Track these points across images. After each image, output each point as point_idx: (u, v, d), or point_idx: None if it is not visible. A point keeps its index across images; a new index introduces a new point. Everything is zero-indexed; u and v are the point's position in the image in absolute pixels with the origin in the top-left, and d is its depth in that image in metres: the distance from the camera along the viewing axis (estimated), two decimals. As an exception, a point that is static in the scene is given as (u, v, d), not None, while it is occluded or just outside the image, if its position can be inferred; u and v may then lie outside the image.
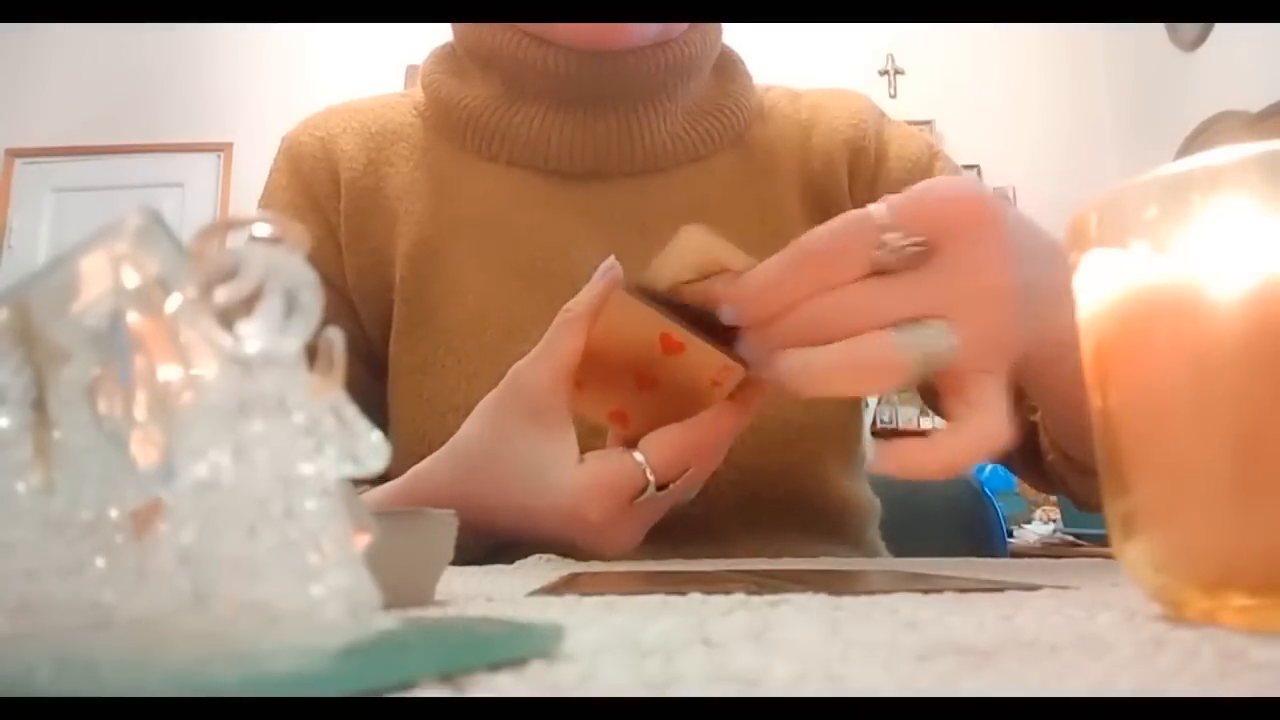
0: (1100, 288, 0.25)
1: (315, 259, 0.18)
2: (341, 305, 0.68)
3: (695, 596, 0.29)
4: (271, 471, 0.17)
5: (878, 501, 0.74)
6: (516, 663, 0.17)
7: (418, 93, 0.74)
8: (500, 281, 0.66)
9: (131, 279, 0.18)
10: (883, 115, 0.76)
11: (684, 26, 0.69)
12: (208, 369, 0.17)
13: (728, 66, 0.75)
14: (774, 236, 0.70)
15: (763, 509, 0.63)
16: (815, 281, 0.41)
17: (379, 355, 0.68)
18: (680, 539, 0.58)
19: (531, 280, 0.66)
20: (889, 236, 0.41)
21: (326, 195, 0.70)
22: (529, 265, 0.66)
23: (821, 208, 0.71)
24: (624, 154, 0.68)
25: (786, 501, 0.64)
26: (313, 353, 0.18)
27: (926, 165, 0.72)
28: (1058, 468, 0.61)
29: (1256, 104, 2.86)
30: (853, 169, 0.72)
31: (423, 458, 0.54)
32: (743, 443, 0.62)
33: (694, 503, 0.62)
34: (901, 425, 3.33)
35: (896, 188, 0.72)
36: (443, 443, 0.53)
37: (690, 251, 0.45)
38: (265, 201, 0.72)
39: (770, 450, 0.63)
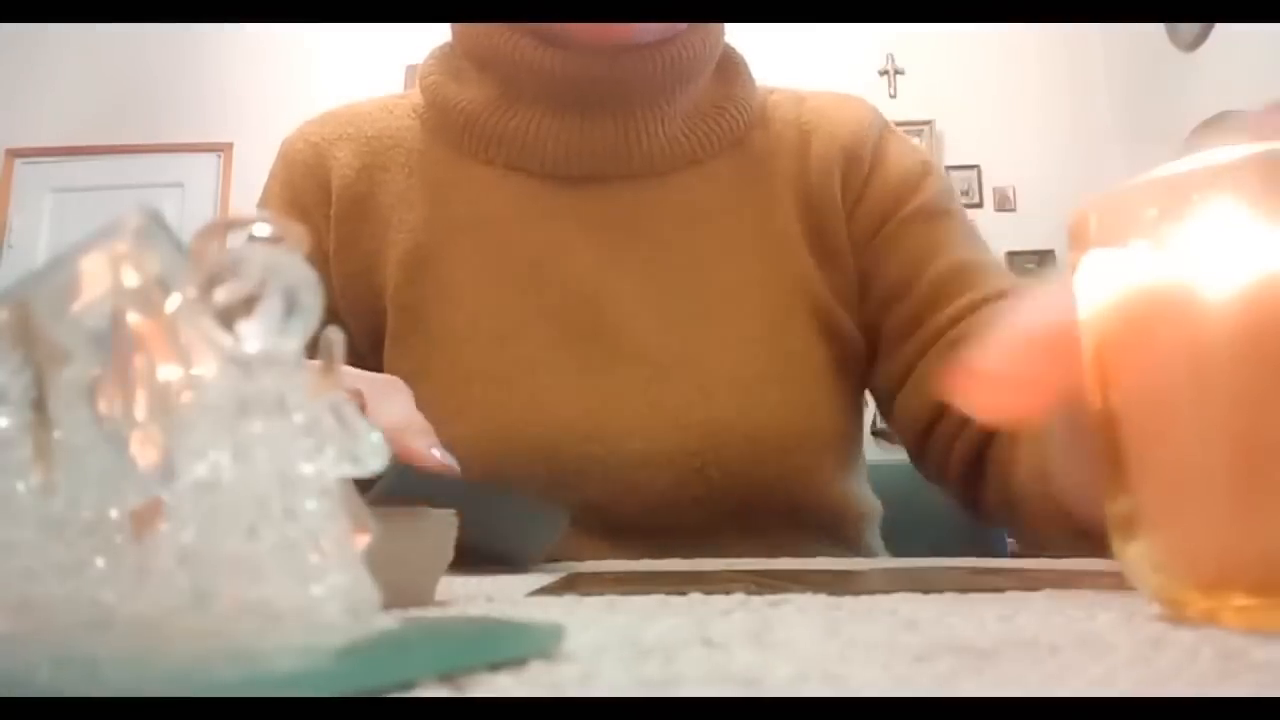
0: (1100, 288, 0.25)
1: None
2: (327, 317, 0.68)
3: (695, 596, 0.29)
4: (271, 471, 0.17)
5: (878, 503, 0.73)
6: (516, 663, 0.17)
7: (417, 94, 0.73)
8: (494, 286, 0.65)
9: (131, 279, 0.18)
10: (885, 126, 0.74)
11: (684, 25, 0.69)
12: (208, 369, 0.17)
13: (729, 68, 0.73)
14: (770, 242, 0.70)
15: (760, 515, 0.63)
16: None
17: (368, 365, 0.67)
18: (677, 543, 0.58)
19: (526, 285, 0.65)
20: None
21: (316, 203, 0.70)
22: (524, 270, 0.66)
23: (816, 216, 0.70)
24: (620, 158, 0.67)
25: (783, 507, 0.64)
26: (312, 352, 0.18)
27: (916, 182, 0.71)
28: (1033, 511, 0.58)
29: (1256, 104, 2.85)
30: (845, 178, 0.71)
31: None
32: (739, 450, 0.62)
33: (690, 508, 0.61)
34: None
35: (883, 200, 0.72)
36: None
37: None
38: (259, 206, 0.72)
39: (767, 457, 0.63)
